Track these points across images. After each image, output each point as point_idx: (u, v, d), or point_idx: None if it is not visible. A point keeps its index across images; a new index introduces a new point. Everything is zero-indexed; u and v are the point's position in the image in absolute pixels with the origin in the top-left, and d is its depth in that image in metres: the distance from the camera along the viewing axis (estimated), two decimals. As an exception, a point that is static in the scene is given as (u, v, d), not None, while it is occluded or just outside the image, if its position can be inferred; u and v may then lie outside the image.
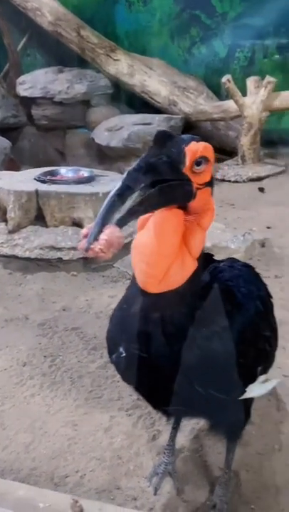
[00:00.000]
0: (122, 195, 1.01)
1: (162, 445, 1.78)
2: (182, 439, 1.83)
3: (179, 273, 1.13)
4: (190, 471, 1.72)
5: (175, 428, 1.72)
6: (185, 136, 1.10)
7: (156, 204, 1.07)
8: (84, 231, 1.02)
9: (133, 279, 1.29)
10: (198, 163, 1.08)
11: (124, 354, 1.27)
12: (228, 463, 1.59)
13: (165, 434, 1.82)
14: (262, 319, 1.42)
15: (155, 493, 1.63)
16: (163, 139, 1.06)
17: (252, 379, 1.40)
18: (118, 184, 1.02)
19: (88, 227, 1.02)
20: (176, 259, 1.13)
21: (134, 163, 1.05)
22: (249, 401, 1.46)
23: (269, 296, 1.53)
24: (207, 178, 1.13)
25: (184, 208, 1.12)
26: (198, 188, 1.09)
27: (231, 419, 1.43)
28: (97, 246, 0.98)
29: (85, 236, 1.00)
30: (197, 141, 1.11)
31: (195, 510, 1.57)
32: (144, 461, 1.76)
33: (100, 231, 0.98)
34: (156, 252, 1.11)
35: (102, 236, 0.98)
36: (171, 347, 1.18)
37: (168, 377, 1.21)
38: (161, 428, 1.90)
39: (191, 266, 1.15)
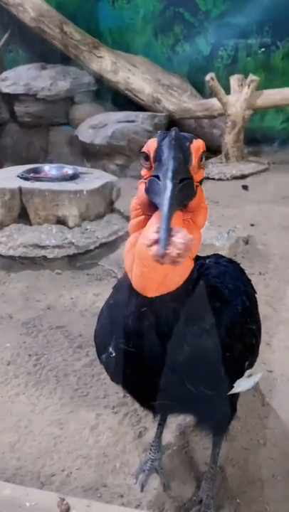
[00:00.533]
0: (174, 196, 0.97)
1: (148, 442, 1.79)
2: (169, 435, 1.84)
3: (178, 275, 1.10)
4: (176, 467, 1.73)
5: (161, 425, 1.72)
6: (187, 135, 1.07)
7: (179, 204, 1.03)
8: (153, 236, 0.92)
9: (122, 280, 1.28)
10: (200, 159, 1.06)
11: (114, 354, 1.26)
12: (214, 458, 1.60)
13: (151, 431, 1.83)
14: (248, 314, 1.44)
15: (142, 490, 1.63)
16: (180, 139, 1.02)
17: (240, 374, 1.42)
18: (170, 185, 0.95)
19: (152, 232, 0.93)
20: None
21: (170, 162, 0.97)
22: (235, 396, 1.48)
23: (254, 291, 1.54)
24: (203, 175, 1.11)
25: (184, 206, 1.09)
26: (197, 186, 1.08)
27: (218, 414, 1.43)
28: (174, 251, 0.90)
29: (155, 242, 0.91)
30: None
31: (181, 505, 1.58)
32: (131, 458, 1.77)
33: (170, 235, 0.91)
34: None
35: (177, 240, 0.91)
36: (166, 346, 1.17)
37: (161, 376, 1.21)
38: (147, 425, 1.90)
39: (189, 267, 1.12)
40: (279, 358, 2.31)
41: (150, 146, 1.04)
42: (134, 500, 1.60)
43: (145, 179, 1.06)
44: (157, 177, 1.00)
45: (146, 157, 1.05)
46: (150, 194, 1.03)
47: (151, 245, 0.91)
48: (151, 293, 1.09)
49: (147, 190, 1.04)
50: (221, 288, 1.35)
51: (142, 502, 1.59)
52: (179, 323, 1.16)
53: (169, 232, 0.90)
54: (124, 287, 1.21)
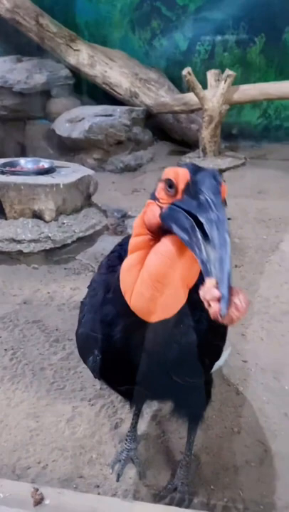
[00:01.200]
0: None
1: (125, 433, 1.80)
2: (144, 425, 1.86)
3: (176, 304, 1.11)
4: (152, 456, 1.75)
5: (137, 415, 1.74)
6: (216, 173, 1.05)
7: None
8: (215, 294, 0.89)
9: (100, 279, 1.27)
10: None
11: (100, 357, 1.27)
12: (189, 446, 1.63)
13: (128, 422, 1.84)
14: None
15: (118, 480, 1.65)
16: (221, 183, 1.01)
17: (219, 357, 1.47)
18: (229, 239, 0.92)
19: (212, 287, 0.90)
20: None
21: (221, 212, 0.95)
22: (210, 382, 1.51)
23: None
24: None
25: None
26: None
27: (195, 401, 1.46)
28: (236, 313, 0.88)
29: (218, 300, 0.88)
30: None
31: (157, 493, 1.60)
32: (107, 449, 1.78)
33: (231, 294, 0.89)
34: (176, 284, 1.07)
35: (238, 302, 0.89)
36: (154, 347, 1.18)
37: (148, 372, 1.22)
38: (123, 416, 1.92)
39: (186, 296, 1.12)
40: (253, 349, 2.36)
41: (179, 175, 1.01)
42: (110, 489, 1.61)
43: (162, 203, 1.04)
44: (185, 211, 0.98)
45: (171, 185, 1.02)
46: (169, 222, 1.01)
47: (211, 300, 0.89)
48: (154, 319, 1.08)
49: (165, 217, 1.03)
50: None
51: (117, 491, 1.60)
52: (167, 330, 1.17)
53: (230, 291, 0.89)
54: (106, 290, 1.21)
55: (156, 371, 1.23)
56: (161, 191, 1.06)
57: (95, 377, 1.38)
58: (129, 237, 1.53)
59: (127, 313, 1.11)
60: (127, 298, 1.10)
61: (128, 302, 1.10)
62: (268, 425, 1.88)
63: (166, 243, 1.06)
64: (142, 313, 1.09)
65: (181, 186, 1.01)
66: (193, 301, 1.28)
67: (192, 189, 1.00)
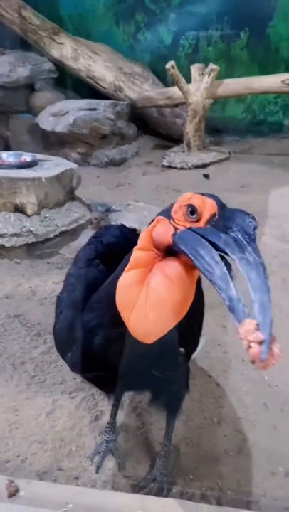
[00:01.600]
0: None
1: (105, 425, 1.80)
2: (124, 417, 1.87)
3: (172, 324, 1.08)
4: (132, 447, 1.76)
5: (116, 406, 1.74)
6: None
7: None
8: (260, 337, 0.87)
9: (77, 272, 1.26)
10: None
11: (78, 352, 1.27)
12: (168, 436, 1.63)
13: (108, 414, 1.84)
14: (200, 291, 1.49)
15: (97, 471, 1.65)
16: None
17: (196, 348, 1.50)
18: (269, 285, 0.91)
19: (253, 329, 0.87)
20: None
21: (257, 256, 0.94)
22: (187, 372, 1.52)
23: None
24: None
25: None
26: None
27: (173, 391, 1.46)
28: (272, 360, 0.87)
29: (259, 343, 0.87)
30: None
31: (136, 484, 1.60)
32: (87, 441, 1.78)
33: (271, 340, 0.87)
34: (180, 307, 1.06)
35: (276, 350, 0.88)
36: (136, 348, 1.16)
37: (129, 368, 1.22)
38: (104, 408, 1.92)
39: (180, 316, 1.10)
40: (234, 340, 2.37)
41: (205, 204, 0.99)
42: (89, 481, 1.61)
43: (178, 224, 1.01)
44: (209, 241, 0.96)
45: (194, 211, 1.00)
46: (184, 246, 0.98)
47: (250, 342, 0.87)
48: (152, 340, 1.06)
49: (179, 239, 1.00)
50: None
51: (96, 483, 1.60)
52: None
53: (271, 337, 0.87)
54: (88, 292, 1.20)
55: (136, 366, 1.23)
56: (179, 213, 1.02)
57: (73, 371, 1.38)
58: (105, 228, 1.52)
59: (115, 325, 1.09)
60: (124, 315, 1.07)
61: (125, 320, 1.06)
62: (247, 415, 1.90)
63: (176, 267, 1.04)
64: (140, 335, 1.06)
65: (206, 216, 0.99)
66: None
67: (221, 223, 0.97)
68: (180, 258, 1.04)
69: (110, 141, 5.54)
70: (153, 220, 1.09)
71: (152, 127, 6.18)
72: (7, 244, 3.11)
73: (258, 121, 6.38)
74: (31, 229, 3.16)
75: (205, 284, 1.57)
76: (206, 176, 5.03)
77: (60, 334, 1.37)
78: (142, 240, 1.08)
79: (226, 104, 6.30)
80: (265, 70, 5.91)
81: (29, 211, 3.23)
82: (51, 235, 3.25)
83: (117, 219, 3.59)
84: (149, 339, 1.06)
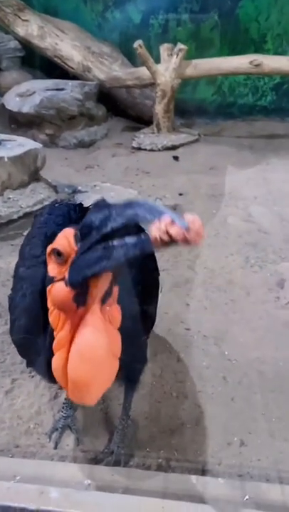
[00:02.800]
0: None
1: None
2: (84, 394, 1.86)
3: (110, 378, 1.08)
4: (90, 423, 1.76)
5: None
6: None
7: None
8: (165, 219, 0.86)
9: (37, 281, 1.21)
10: None
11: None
12: (126, 410, 1.65)
13: (67, 392, 1.84)
14: (154, 260, 1.51)
15: (55, 447, 1.65)
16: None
17: (154, 322, 1.55)
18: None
19: (158, 227, 0.87)
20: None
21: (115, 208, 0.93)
22: (145, 346, 1.52)
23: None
24: None
25: (103, 302, 1.04)
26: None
27: (132, 365, 1.46)
28: (195, 224, 0.87)
29: (171, 223, 0.86)
30: None
31: (93, 458, 1.61)
32: (45, 419, 1.78)
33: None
34: (100, 374, 1.03)
35: (189, 217, 0.88)
36: None
37: None
38: (64, 386, 1.91)
39: (117, 366, 1.09)
40: (196, 318, 2.40)
41: (64, 237, 0.99)
42: (47, 457, 1.61)
43: (62, 273, 1.00)
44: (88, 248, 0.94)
45: (59, 252, 0.99)
46: (84, 273, 0.95)
47: (167, 231, 0.85)
48: (93, 403, 1.05)
49: (72, 278, 0.97)
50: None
51: (53, 458, 1.61)
52: None
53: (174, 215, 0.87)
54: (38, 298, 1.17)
55: None
56: (53, 269, 1.02)
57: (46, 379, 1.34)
58: (48, 212, 1.43)
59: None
60: (64, 387, 1.07)
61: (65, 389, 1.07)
62: (205, 389, 1.93)
63: (80, 335, 1.01)
64: (82, 403, 1.07)
65: (71, 242, 0.99)
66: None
67: (83, 232, 0.97)
68: (88, 309, 1.01)
69: (79, 123, 5.45)
70: None
71: (122, 108, 6.10)
72: None
73: (228, 103, 6.37)
74: (-6, 210, 3.10)
75: (166, 264, 1.57)
76: (176, 158, 5.01)
77: (21, 343, 1.35)
78: (53, 325, 1.07)
79: (196, 85, 6.26)
80: (234, 51, 5.88)
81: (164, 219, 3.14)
82: (15, 217, 3.19)
83: (82, 200, 3.54)
84: (91, 403, 1.06)
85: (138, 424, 1.75)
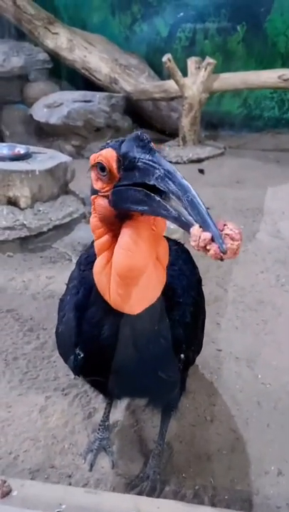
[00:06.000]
0: None
1: (98, 422, 1.79)
2: (118, 414, 1.86)
3: (158, 286, 1.08)
4: (125, 445, 1.75)
5: (109, 404, 1.73)
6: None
7: None
8: (205, 237, 0.85)
9: (86, 282, 1.24)
10: None
11: (82, 355, 1.25)
12: (162, 435, 1.63)
13: (101, 412, 1.83)
14: (200, 294, 1.50)
15: (90, 469, 1.64)
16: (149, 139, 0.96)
17: (200, 350, 1.51)
18: (186, 182, 0.89)
19: (199, 233, 0.86)
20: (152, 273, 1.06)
21: (164, 164, 0.91)
22: (186, 374, 1.51)
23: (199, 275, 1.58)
24: None
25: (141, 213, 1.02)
26: None
27: (172, 393, 1.45)
28: (234, 243, 0.86)
29: (211, 241, 0.85)
30: None
31: (129, 482, 1.60)
32: (80, 438, 1.77)
33: (219, 229, 0.86)
34: (143, 273, 1.03)
35: (231, 231, 0.87)
36: (140, 345, 1.16)
37: (133, 370, 1.21)
38: (97, 405, 1.91)
39: (164, 276, 1.09)
40: (228, 337, 2.37)
41: (108, 156, 0.97)
42: (82, 479, 1.60)
43: (105, 192, 1.00)
44: (131, 185, 0.94)
45: (103, 168, 0.98)
46: (123, 205, 0.97)
47: (205, 246, 0.86)
48: (137, 310, 1.06)
49: (115, 203, 0.98)
50: (180, 276, 1.35)
51: (89, 481, 1.60)
52: (153, 325, 1.16)
53: (216, 226, 0.86)
54: (86, 288, 1.18)
55: (142, 367, 1.21)
56: (97, 182, 1.02)
57: (75, 374, 1.35)
58: None
59: (110, 311, 1.09)
60: (106, 298, 1.08)
61: (109, 301, 1.07)
62: (240, 413, 1.90)
63: (123, 234, 1.02)
64: (125, 309, 1.06)
65: (114, 166, 0.97)
66: (176, 295, 1.27)
67: (126, 163, 0.95)
68: (132, 219, 1.02)
69: (105, 134, 5.50)
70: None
71: (147, 121, 6.14)
72: (0, 238, 3.08)
73: (254, 116, 6.36)
74: (24, 222, 3.13)
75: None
76: (201, 171, 5.01)
77: (63, 336, 1.34)
78: (94, 230, 1.08)
79: (221, 98, 6.26)
80: (261, 64, 5.88)
81: (22, 204, 3.20)
82: (44, 229, 3.22)
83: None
84: (134, 310, 1.06)
85: (173, 448, 1.73)
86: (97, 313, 1.17)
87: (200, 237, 0.86)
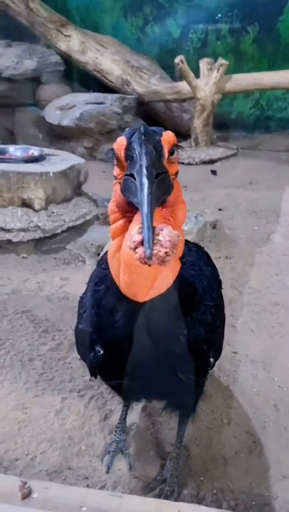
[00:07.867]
0: (152, 193, 0.90)
1: (114, 424, 1.79)
2: (134, 416, 1.85)
3: (167, 276, 1.07)
4: (142, 447, 1.74)
5: (126, 406, 1.73)
6: (156, 128, 1.02)
7: (157, 201, 0.97)
8: (136, 238, 0.86)
9: (101, 273, 1.25)
10: (172, 152, 1.01)
11: (101, 352, 1.24)
12: (180, 438, 1.62)
13: (117, 414, 1.83)
14: (220, 296, 1.49)
15: (107, 472, 1.64)
16: (149, 133, 0.96)
17: (220, 354, 1.48)
18: (146, 182, 0.88)
19: (134, 234, 0.87)
20: None
21: (142, 159, 0.90)
22: (205, 378, 1.50)
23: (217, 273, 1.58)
24: (177, 167, 1.06)
25: (162, 203, 1.02)
26: (173, 179, 1.03)
27: (189, 396, 1.44)
28: (161, 250, 0.86)
29: (140, 243, 0.85)
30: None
31: (146, 485, 1.59)
32: (96, 440, 1.77)
33: (154, 234, 0.86)
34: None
35: (162, 238, 0.86)
36: (158, 343, 1.16)
37: (151, 370, 1.21)
38: (113, 407, 1.90)
39: (177, 266, 1.09)
40: (243, 340, 2.36)
41: (119, 144, 0.98)
42: (99, 481, 1.60)
43: (119, 179, 1.01)
44: (132, 175, 0.94)
45: (116, 156, 0.99)
46: (127, 194, 0.98)
47: (135, 248, 0.86)
48: (143, 298, 1.05)
49: (123, 191, 0.99)
50: (201, 276, 1.33)
51: (106, 483, 1.59)
52: (172, 320, 1.15)
53: (152, 231, 0.85)
54: (107, 284, 1.18)
55: (161, 368, 1.20)
56: (115, 168, 1.03)
57: (92, 374, 1.35)
58: None
59: (124, 298, 1.08)
60: (117, 283, 1.08)
61: (119, 286, 1.08)
62: (257, 416, 1.88)
63: (134, 222, 1.01)
64: (131, 296, 1.06)
65: (122, 154, 0.98)
66: (198, 294, 1.26)
67: (129, 153, 0.96)
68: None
69: (117, 136, 5.46)
70: None
71: (160, 122, 6.13)
72: (14, 239, 3.10)
73: (266, 116, 6.33)
74: (39, 224, 3.14)
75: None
76: (214, 172, 4.99)
77: (82, 333, 1.34)
78: (111, 214, 1.09)
79: (233, 99, 6.25)
80: (274, 65, 5.85)
81: (37, 206, 3.21)
82: (58, 231, 3.23)
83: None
84: (138, 298, 1.05)
85: (190, 451, 1.72)
86: (111, 299, 1.16)
87: (131, 238, 0.87)
